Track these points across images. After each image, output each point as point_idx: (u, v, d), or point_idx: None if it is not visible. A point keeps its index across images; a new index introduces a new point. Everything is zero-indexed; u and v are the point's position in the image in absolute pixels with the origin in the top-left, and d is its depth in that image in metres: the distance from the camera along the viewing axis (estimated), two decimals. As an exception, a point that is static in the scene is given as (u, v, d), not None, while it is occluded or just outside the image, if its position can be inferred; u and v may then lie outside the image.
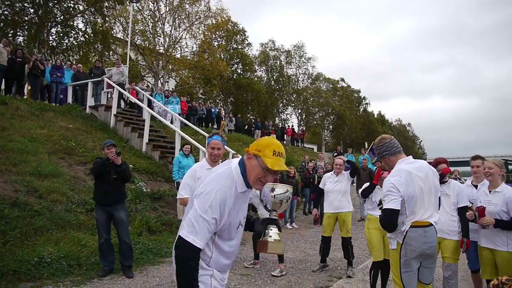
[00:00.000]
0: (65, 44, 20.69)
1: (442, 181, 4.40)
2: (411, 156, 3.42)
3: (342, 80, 51.75)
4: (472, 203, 4.55)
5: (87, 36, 21.29)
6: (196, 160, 10.39)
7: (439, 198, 4.28)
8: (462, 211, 4.37)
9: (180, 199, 3.96)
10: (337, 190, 6.30)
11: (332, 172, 6.54)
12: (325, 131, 46.83)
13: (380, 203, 3.56)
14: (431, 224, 3.22)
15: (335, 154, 22.48)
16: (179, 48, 26.20)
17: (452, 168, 5.08)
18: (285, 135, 30.02)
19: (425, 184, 3.23)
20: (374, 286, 5.12)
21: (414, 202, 3.16)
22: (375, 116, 60.68)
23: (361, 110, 55.47)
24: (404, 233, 3.19)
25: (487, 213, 4.10)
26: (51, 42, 20.11)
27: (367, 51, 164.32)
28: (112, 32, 23.46)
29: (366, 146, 21.82)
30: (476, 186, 4.83)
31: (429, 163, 4.42)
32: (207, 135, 11.74)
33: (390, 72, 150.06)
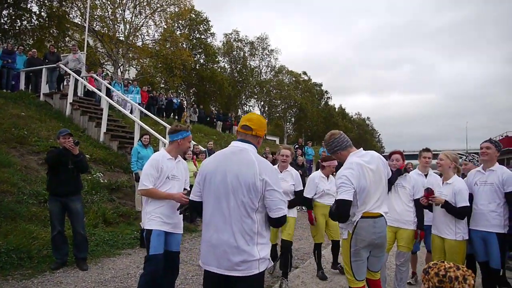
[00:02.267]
0: (17, 28, 19.64)
1: (399, 174, 4.65)
2: (361, 149, 3.54)
3: (305, 73, 52.31)
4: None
5: (41, 20, 20.31)
6: (155, 151, 10.23)
7: (397, 189, 4.61)
8: (418, 202, 4.56)
9: (144, 190, 3.81)
10: None
11: (276, 167, 5.15)
12: (287, 123, 47.32)
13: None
14: (381, 215, 3.35)
15: (296, 146, 22.86)
16: (140, 36, 25.54)
17: (407, 161, 5.33)
18: (247, 127, 30.05)
19: (376, 176, 3.35)
20: (320, 264, 5.82)
21: (365, 194, 3.27)
22: (336, 109, 61.87)
23: (322, 104, 56.38)
24: (355, 224, 3.30)
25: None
26: (2, 25, 19.03)
27: (331, 47, 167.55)
28: (69, 17, 22.49)
29: (323, 145, 22.25)
30: (425, 175, 5.20)
31: (386, 156, 4.65)
32: (167, 125, 11.60)
33: (352, 68, 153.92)
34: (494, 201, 4.12)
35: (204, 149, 11.29)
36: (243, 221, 2.48)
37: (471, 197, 4.30)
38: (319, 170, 6.03)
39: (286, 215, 2.60)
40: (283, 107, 45.72)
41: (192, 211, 3.15)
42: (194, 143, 11.66)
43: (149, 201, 3.86)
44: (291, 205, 5.05)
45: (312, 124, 47.94)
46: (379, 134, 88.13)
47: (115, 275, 5.41)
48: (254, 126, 2.67)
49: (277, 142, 35.49)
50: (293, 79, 48.06)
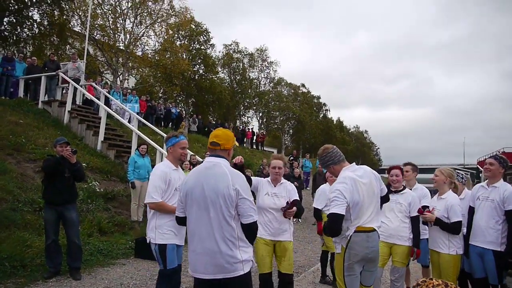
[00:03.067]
0: (18, 35, 19.71)
1: (396, 191, 4.70)
2: (354, 164, 3.60)
3: (303, 85, 52.44)
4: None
5: (42, 28, 20.41)
6: (153, 161, 10.26)
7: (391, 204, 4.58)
8: (414, 219, 4.57)
9: (153, 203, 3.76)
10: (275, 207, 4.25)
11: (268, 179, 4.44)
12: (285, 135, 47.29)
13: None
14: (374, 230, 3.38)
15: (291, 158, 22.85)
16: (140, 46, 25.66)
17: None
18: (245, 138, 30.13)
19: (369, 190, 3.39)
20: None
21: (359, 208, 3.29)
22: (334, 122, 61.97)
23: (320, 116, 56.44)
24: (348, 238, 3.31)
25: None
26: (2, 32, 19.09)
27: (330, 60, 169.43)
28: (70, 25, 22.61)
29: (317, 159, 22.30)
30: (410, 189, 5.14)
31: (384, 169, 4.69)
32: (165, 135, 11.59)
33: (350, 81, 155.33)
34: (493, 218, 4.09)
35: (201, 160, 11.29)
36: (224, 229, 2.71)
37: (472, 212, 4.33)
38: (327, 183, 6.00)
39: (256, 221, 2.80)
40: (281, 118, 45.70)
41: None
42: (191, 153, 11.67)
43: (159, 214, 3.82)
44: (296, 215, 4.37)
45: (310, 136, 47.87)
46: (378, 148, 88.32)
47: (108, 285, 5.38)
48: (221, 141, 2.91)
49: (275, 153, 35.36)
50: (292, 91, 48.18)
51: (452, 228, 4.18)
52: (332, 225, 3.20)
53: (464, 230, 4.37)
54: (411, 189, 5.10)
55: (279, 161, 4.35)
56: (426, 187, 5.39)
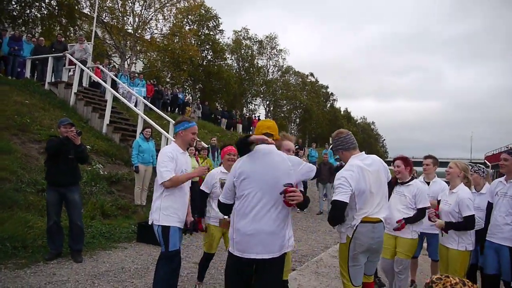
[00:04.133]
0: (27, 15, 19.63)
1: (402, 182, 4.60)
2: (363, 152, 3.52)
3: (311, 74, 52.18)
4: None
5: (51, 9, 20.30)
6: (158, 145, 10.19)
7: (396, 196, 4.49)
8: (421, 212, 4.47)
9: (168, 181, 3.68)
10: None
11: None
12: (292, 124, 47.20)
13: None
14: (380, 221, 3.33)
15: (297, 147, 22.74)
16: (148, 29, 25.46)
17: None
18: (252, 126, 30.00)
19: (376, 180, 3.34)
20: None
21: (364, 197, 3.24)
22: (342, 112, 61.71)
23: (328, 106, 56.21)
24: (354, 228, 3.27)
25: (443, 213, 4.29)
26: (11, 11, 19.01)
27: (339, 51, 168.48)
28: (78, 7, 22.47)
29: (330, 142, 22.18)
30: (428, 183, 5.17)
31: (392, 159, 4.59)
32: (171, 120, 11.52)
33: (359, 72, 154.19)
34: (511, 214, 4.01)
35: (206, 146, 11.21)
36: (279, 211, 2.88)
37: (491, 208, 4.25)
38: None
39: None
40: (288, 107, 45.61)
41: (224, 212, 3.25)
42: (197, 139, 11.60)
43: (164, 196, 3.78)
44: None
45: (316, 126, 47.72)
46: (384, 139, 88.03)
47: (109, 269, 5.34)
48: (274, 132, 3.09)
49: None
50: (300, 80, 47.90)
51: (464, 225, 4.06)
52: (335, 212, 3.19)
53: (482, 224, 4.32)
54: (429, 183, 5.00)
55: (291, 143, 3.59)
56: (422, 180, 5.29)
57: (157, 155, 4.24)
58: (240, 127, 27.68)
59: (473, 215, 4.05)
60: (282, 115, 45.35)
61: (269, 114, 42.31)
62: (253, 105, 41.11)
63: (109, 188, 8.64)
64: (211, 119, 24.22)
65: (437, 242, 4.68)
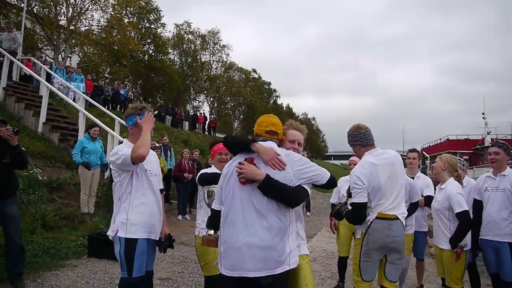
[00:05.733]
0: None
1: None
2: (378, 148, 3.36)
3: (254, 71, 52.07)
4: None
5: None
6: (105, 145, 9.20)
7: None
8: (414, 206, 4.35)
9: (133, 152, 2.96)
10: None
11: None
12: (236, 120, 46.72)
13: (350, 195, 3.23)
14: (397, 218, 3.19)
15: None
16: (84, 21, 23.64)
17: (341, 161, 5.14)
18: (197, 123, 29.15)
19: (391, 176, 3.22)
20: (342, 277, 5.27)
21: (379, 194, 3.17)
22: (284, 109, 62.37)
23: (271, 102, 56.46)
24: (369, 224, 3.20)
25: (433, 212, 4.05)
26: None
27: (279, 49, 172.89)
28: (3, -5, 20.28)
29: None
30: (412, 178, 4.85)
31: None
32: (116, 117, 10.55)
33: (299, 70, 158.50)
34: (506, 208, 3.84)
35: (158, 145, 10.40)
36: (277, 217, 2.38)
37: (479, 205, 4.07)
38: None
39: None
40: (232, 104, 45.10)
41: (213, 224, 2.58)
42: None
43: (125, 196, 3.06)
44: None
45: (261, 122, 47.70)
46: (324, 135, 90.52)
47: (59, 294, 4.49)
48: (279, 130, 2.65)
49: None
50: (243, 76, 47.59)
51: (461, 228, 3.71)
52: (356, 213, 3.19)
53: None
54: (413, 178, 4.72)
55: (297, 133, 2.81)
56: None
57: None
58: (186, 124, 26.72)
59: (466, 211, 3.75)
60: (226, 111, 44.79)
61: (213, 111, 41.54)
62: (197, 101, 40.12)
63: (50, 196, 7.56)
64: (154, 116, 23.06)
65: (423, 240, 4.70)
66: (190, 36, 36.92)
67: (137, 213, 3.05)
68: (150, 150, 3.26)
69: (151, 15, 29.21)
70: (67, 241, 6.26)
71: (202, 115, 31.40)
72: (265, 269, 2.29)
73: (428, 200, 4.59)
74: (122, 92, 21.41)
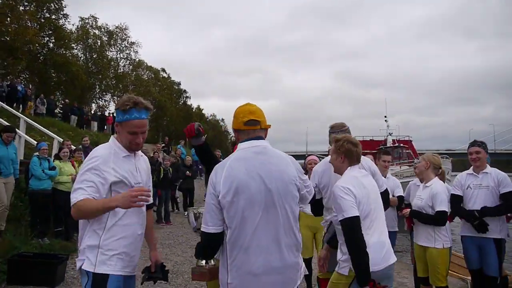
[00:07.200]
0: None
1: None
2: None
3: (163, 70, 50.71)
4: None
5: None
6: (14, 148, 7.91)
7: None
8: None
9: (74, 206, 2.13)
10: None
11: None
12: (146, 121, 45.04)
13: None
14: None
15: (163, 145, 21.54)
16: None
17: None
18: (106, 124, 27.21)
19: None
20: (309, 282, 4.93)
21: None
22: (194, 110, 61.79)
23: (181, 103, 55.52)
24: None
25: (415, 208, 4.07)
26: None
27: (188, 50, 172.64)
28: None
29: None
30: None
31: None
32: (23, 116, 9.27)
33: (207, 72, 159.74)
34: (490, 205, 3.92)
35: (74, 147, 9.31)
36: (293, 233, 2.11)
37: (457, 200, 4.13)
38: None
39: None
40: (142, 103, 43.35)
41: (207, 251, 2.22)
42: (60, 139, 9.63)
43: (103, 225, 2.27)
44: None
45: (170, 123, 46.56)
46: (232, 136, 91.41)
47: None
48: (261, 118, 2.22)
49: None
50: (152, 75, 46.05)
51: (434, 219, 3.82)
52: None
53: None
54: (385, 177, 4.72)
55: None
56: None
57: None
58: (95, 125, 24.80)
59: (446, 211, 3.83)
60: (135, 111, 42.88)
61: (120, 111, 39.43)
62: (103, 100, 37.64)
63: None
64: (54, 116, 21.03)
65: (393, 240, 4.54)
66: (96, 31, 34.51)
67: (111, 236, 2.27)
68: (142, 155, 2.59)
69: (52, 4, 26.59)
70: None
71: (111, 115, 29.45)
72: None
73: (401, 200, 4.65)
74: (19, 88, 19.04)
